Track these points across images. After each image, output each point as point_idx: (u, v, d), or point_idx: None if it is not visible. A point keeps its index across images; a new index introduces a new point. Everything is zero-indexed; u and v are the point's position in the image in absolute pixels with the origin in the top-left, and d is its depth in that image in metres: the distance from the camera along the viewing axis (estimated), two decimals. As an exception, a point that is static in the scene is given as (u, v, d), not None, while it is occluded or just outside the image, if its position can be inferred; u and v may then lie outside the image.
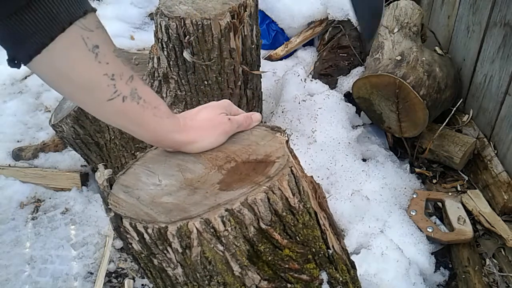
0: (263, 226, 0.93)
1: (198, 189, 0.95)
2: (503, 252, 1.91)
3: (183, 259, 0.91)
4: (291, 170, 0.97)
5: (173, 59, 1.82)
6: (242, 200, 0.88)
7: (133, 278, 1.88)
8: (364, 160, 2.26)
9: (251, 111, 2.08)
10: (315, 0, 2.88)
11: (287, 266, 1.00)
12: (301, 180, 1.01)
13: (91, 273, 1.91)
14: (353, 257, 1.74)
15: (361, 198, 1.99)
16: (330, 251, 1.11)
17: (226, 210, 0.87)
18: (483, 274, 1.84)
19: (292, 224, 0.98)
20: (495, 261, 1.89)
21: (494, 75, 2.08)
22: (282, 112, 2.35)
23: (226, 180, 0.97)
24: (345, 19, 2.71)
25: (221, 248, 0.90)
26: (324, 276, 1.10)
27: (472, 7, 2.19)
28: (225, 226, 0.88)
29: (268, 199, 0.91)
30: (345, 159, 2.15)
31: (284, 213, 0.95)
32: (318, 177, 2.06)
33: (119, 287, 1.86)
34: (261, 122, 1.16)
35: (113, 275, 1.91)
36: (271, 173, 0.96)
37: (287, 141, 1.09)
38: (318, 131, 2.25)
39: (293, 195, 0.96)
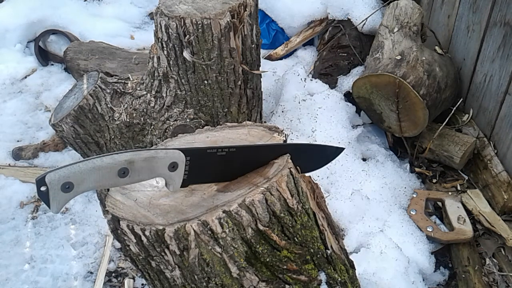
0: (261, 228, 0.93)
1: (195, 190, 0.95)
2: (503, 252, 1.91)
3: (181, 261, 0.91)
4: (290, 171, 0.97)
5: (173, 59, 1.82)
6: (239, 202, 0.88)
7: (133, 278, 1.88)
8: (364, 159, 2.26)
9: (251, 110, 2.09)
10: (315, -1, 2.87)
11: (285, 267, 1.00)
12: (300, 180, 1.01)
13: (91, 273, 1.91)
14: (352, 256, 1.74)
15: (361, 197, 2.00)
16: (329, 251, 1.11)
17: (224, 211, 0.87)
18: (483, 273, 1.84)
19: (290, 225, 0.98)
20: (495, 260, 1.89)
21: (494, 74, 2.08)
22: (282, 111, 2.35)
23: None
24: (345, 19, 2.70)
25: (219, 250, 0.90)
26: (322, 276, 1.10)
27: (472, 6, 2.19)
28: (222, 228, 0.88)
29: (266, 200, 0.91)
30: (345, 159, 2.15)
31: (282, 214, 0.95)
32: (318, 176, 2.06)
33: (119, 287, 1.86)
34: (261, 121, 1.15)
35: (113, 274, 1.91)
36: (270, 174, 0.96)
37: (285, 141, 1.09)
38: (318, 130, 2.24)
39: (292, 196, 0.96)
